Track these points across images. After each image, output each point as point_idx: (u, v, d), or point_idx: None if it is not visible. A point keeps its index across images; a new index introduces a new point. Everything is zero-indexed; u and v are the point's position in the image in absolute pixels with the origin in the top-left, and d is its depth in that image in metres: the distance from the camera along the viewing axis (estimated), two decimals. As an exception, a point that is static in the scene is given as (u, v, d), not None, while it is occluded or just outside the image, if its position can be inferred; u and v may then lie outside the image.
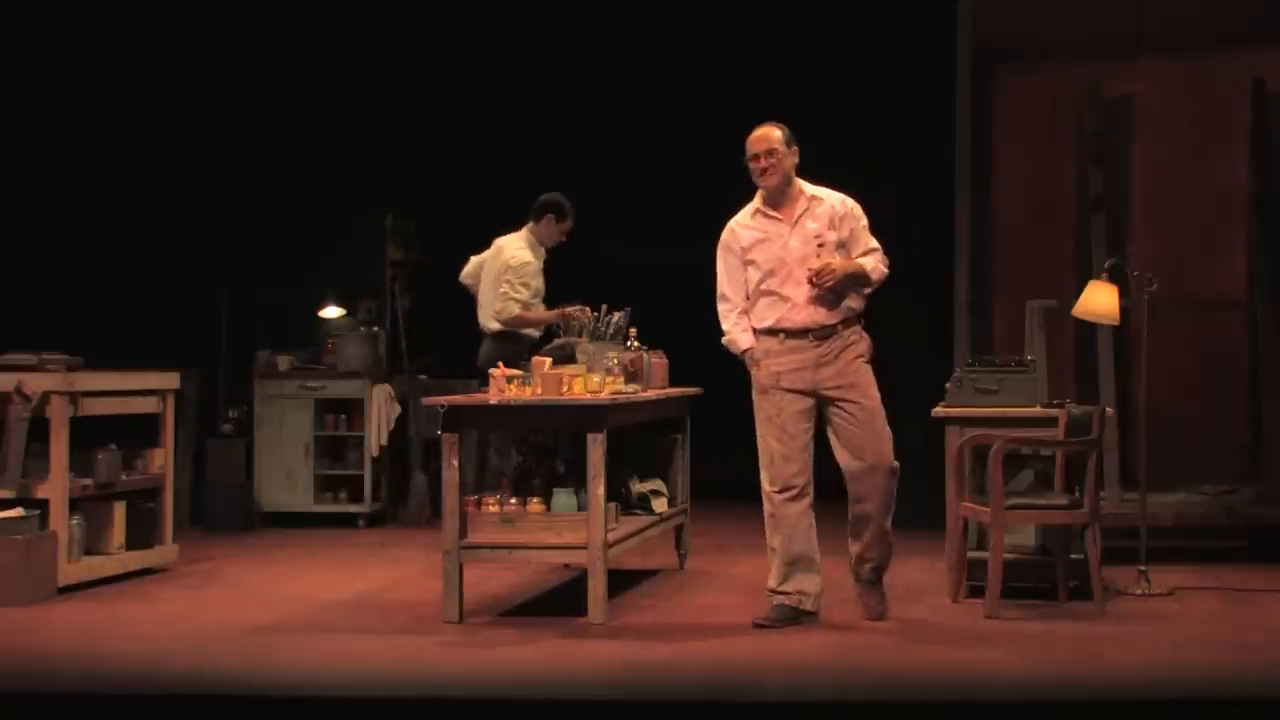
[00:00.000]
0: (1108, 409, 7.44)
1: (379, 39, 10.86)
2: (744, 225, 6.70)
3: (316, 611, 7.16)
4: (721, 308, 6.73)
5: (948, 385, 7.45)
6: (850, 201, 6.70)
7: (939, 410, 7.30)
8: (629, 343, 7.70)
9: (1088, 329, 8.69)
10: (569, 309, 8.25)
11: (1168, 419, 8.82)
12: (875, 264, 6.65)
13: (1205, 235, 9.38)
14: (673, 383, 8.04)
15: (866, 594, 6.71)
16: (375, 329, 10.54)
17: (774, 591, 6.63)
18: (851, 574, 6.76)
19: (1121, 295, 7.68)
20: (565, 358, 7.47)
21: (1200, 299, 9.26)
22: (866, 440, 6.56)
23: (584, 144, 11.34)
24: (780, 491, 6.59)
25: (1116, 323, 7.86)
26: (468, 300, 8.79)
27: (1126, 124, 9.52)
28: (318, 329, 10.59)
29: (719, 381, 8.56)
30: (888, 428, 6.62)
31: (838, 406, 6.57)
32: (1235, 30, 9.31)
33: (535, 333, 8.51)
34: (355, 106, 10.65)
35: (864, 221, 6.69)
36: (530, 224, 8.59)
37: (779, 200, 6.64)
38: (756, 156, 6.62)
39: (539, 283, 8.54)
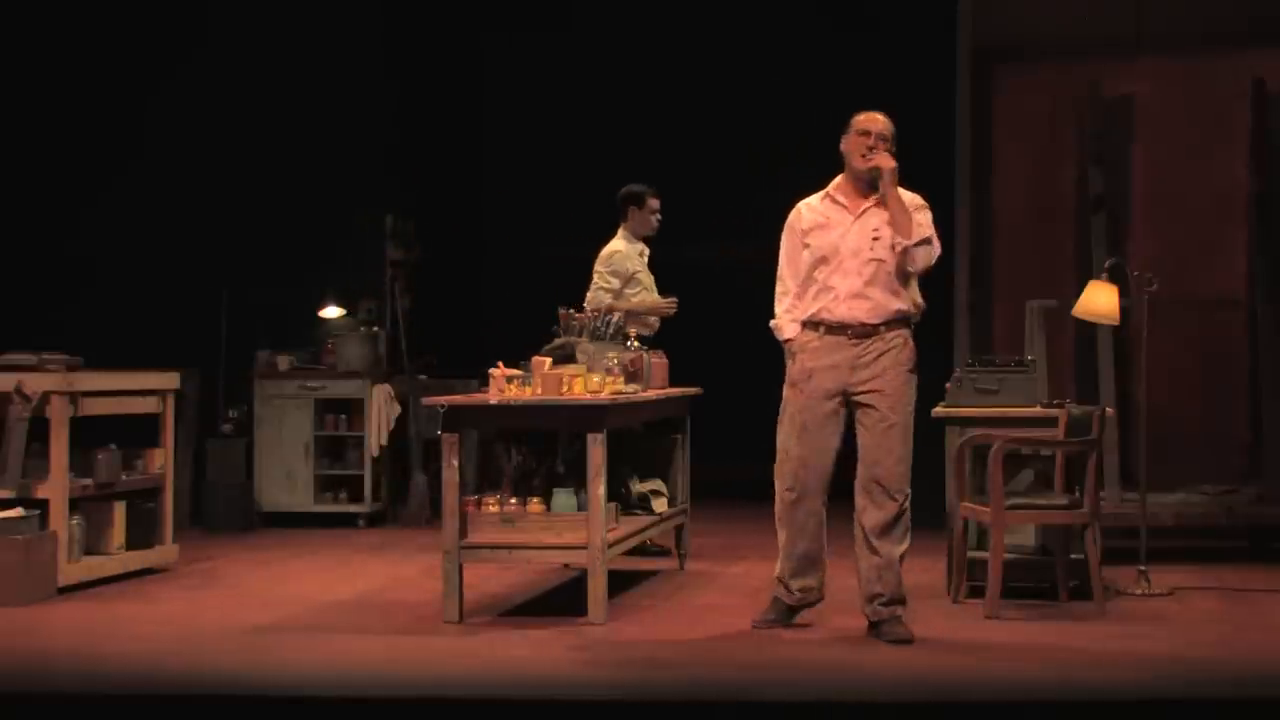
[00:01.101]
0: (1108, 409, 7.44)
1: (378, 39, 10.86)
2: (810, 207, 6.50)
3: (316, 611, 7.16)
4: (777, 289, 6.53)
5: (948, 385, 7.45)
6: (919, 200, 6.44)
7: (939, 410, 7.30)
8: (629, 343, 7.69)
9: (1088, 329, 8.69)
10: (663, 301, 8.52)
11: (1168, 419, 8.82)
12: (926, 229, 6.30)
13: (1205, 235, 9.38)
14: (673, 383, 8.05)
15: (884, 626, 6.30)
16: (375, 329, 10.54)
17: (778, 580, 6.51)
18: (864, 614, 6.38)
19: (1121, 295, 7.68)
20: (565, 358, 7.46)
21: (1200, 299, 9.26)
22: (877, 454, 6.30)
23: (583, 144, 11.34)
24: (788, 490, 6.44)
25: (1116, 323, 7.86)
26: (468, 300, 8.83)
27: (1126, 124, 9.52)
28: (318, 329, 10.59)
29: (719, 381, 8.59)
30: (907, 448, 6.35)
31: (862, 410, 6.35)
32: (1235, 30, 9.31)
33: (645, 330, 8.55)
34: (355, 107, 10.65)
35: (927, 214, 6.36)
36: (621, 224, 8.73)
37: (857, 189, 6.42)
38: (868, 133, 6.37)
39: (641, 273, 8.65)
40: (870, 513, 6.32)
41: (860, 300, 6.35)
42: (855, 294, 6.35)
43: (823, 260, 6.39)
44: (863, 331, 6.35)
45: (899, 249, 6.34)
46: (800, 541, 6.46)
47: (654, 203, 8.71)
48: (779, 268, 6.56)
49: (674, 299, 8.60)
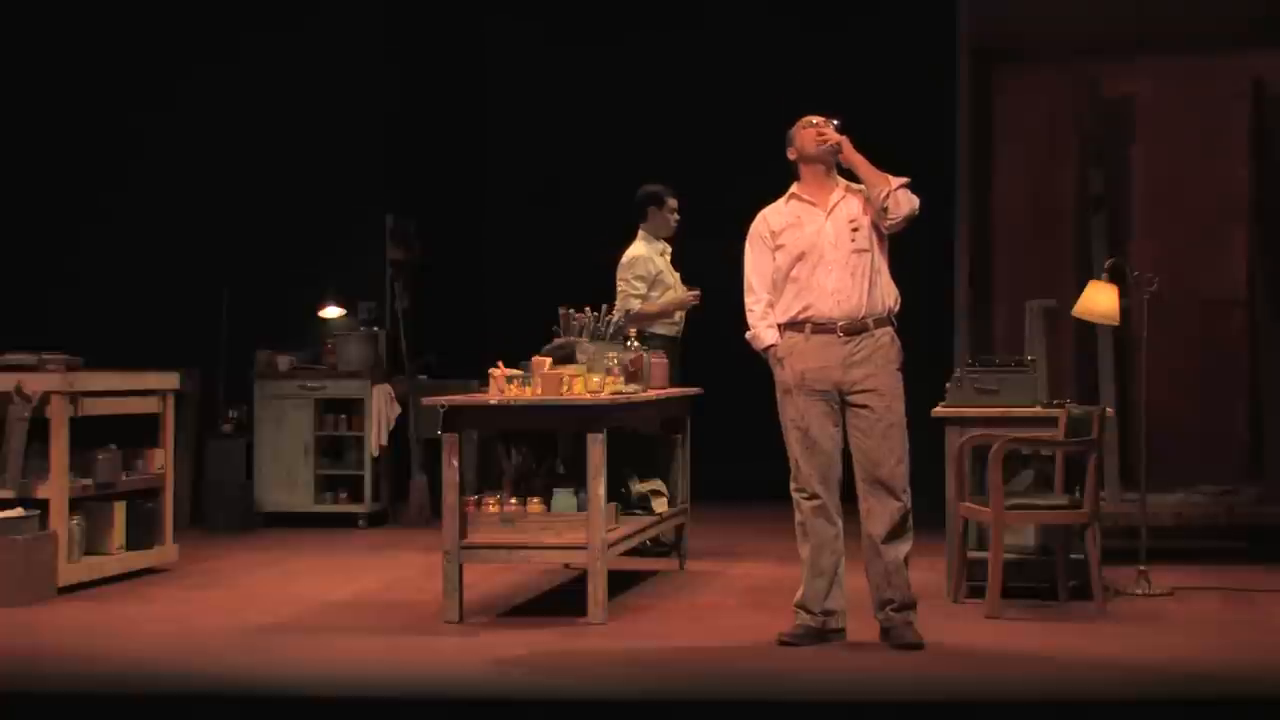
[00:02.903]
0: (1108, 409, 7.44)
1: (379, 37, 10.87)
2: (776, 211, 6.38)
3: (316, 611, 7.16)
4: (747, 300, 6.35)
5: (948, 385, 7.45)
6: None
7: (939, 410, 7.30)
8: (629, 343, 7.69)
9: (1088, 329, 8.69)
10: (686, 294, 8.55)
11: (1168, 419, 8.81)
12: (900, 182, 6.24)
13: (1205, 235, 9.37)
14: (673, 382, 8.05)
15: (894, 632, 6.23)
16: (375, 329, 10.54)
17: (800, 608, 6.31)
18: (876, 620, 6.27)
19: (1121, 295, 7.68)
20: (565, 358, 7.47)
21: (1200, 299, 9.25)
22: (879, 455, 6.18)
23: (585, 143, 11.35)
24: (809, 499, 6.27)
25: (1116, 323, 7.86)
26: (468, 300, 8.82)
27: (1126, 124, 9.51)
28: (318, 329, 10.60)
29: (719, 381, 8.59)
30: (905, 446, 6.22)
31: (856, 411, 6.22)
32: (1235, 30, 9.30)
33: (672, 327, 8.60)
34: (355, 107, 10.66)
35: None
36: (640, 225, 8.73)
37: (818, 184, 6.34)
38: (812, 124, 6.32)
39: (664, 272, 8.67)
40: (877, 516, 6.22)
41: (848, 294, 6.23)
42: (842, 288, 6.23)
43: (801, 258, 6.26)
44: (852, 327, 6.21)
45: (883, 196, 6.19)
46: (825, 553, 6.26)
47: (673, 202, 8.74)
48: (746, 277, 6.39)
49: (697, 291, 8.60)
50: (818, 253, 6.26)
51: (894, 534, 6.23)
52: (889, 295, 6.32)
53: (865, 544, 6.28)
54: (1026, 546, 7.37)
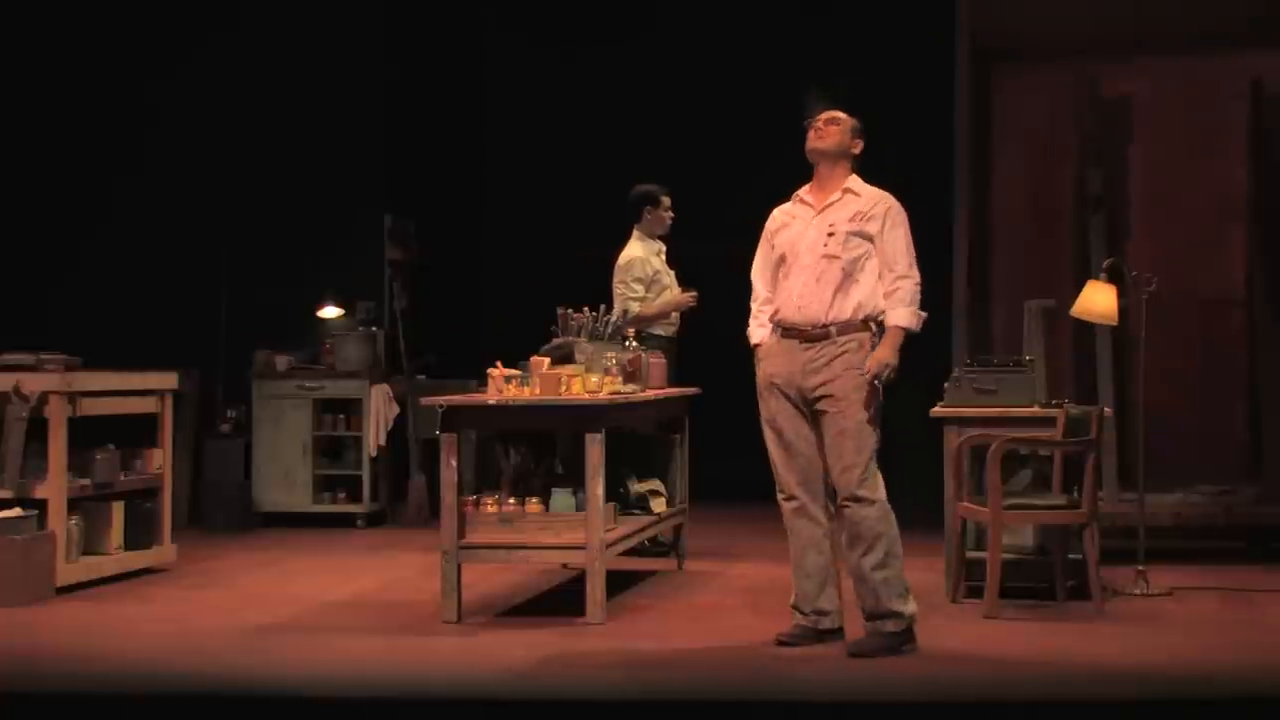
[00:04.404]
0: (1106, 409, 7.44)
1: (379, 38, 10.87)
2: (782, 209, 6.36)
3: (316, 611, 7.16)
4: (752, 297, 6.40)
5: (946, 385, 7.45)
6: (891, 201, 6.21)
7: (938, 410, 7.30)
8: (627, 343, 7.69)
9: (1087, 329, 8.69)
10: (683, 295, 8.56)
11: (1167, 419, 8.82)
12: (908, 314, 6.13)
13: (1205, 235, 9.38)
14: (674, 382, 8.04)
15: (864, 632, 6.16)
16: (374, 329, 10.54)
17: (794, 609, 6.30)
18: None
19: (1120, 295, 7.68)
20: (564, 358, 7.46)
21: (1200, 299, 9.26)
22: (830, 460, 6.08)
23: (585, 143, 11.35)
24: (788, 500, 6.25)
25: (1115, 323, 7.86)
26: (468, 300, 8.82)
27: (1126, 124, 9.52)
28: (317, 329, 10.59)
29: (719, 381, 8.59)
30: (862, 454, 6.02)
31: (816, 417, 6.15)
32: (1235, 30, 9.30)
33: (669, 328, 8.63)
34: (355, 106, 10.66)
35: (902, 230, 6.17)
36: (635, 224, 8.73)
37: (821, 183, 6.26)
38: (815, 122, 6.27)
39: (661, 272, 8.67)
40: (839, 521, 6.16)
41: (809, 300, 6.14)
42: (806, 294, 6.15)
43: (782, 259, 6.25)
44: (813, 334, 6.12)
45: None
46: (810, 554, 6.23)
47: (667, 200, 8.75)
48: (752, 273, 6.41)
49: (694, 292, 8.61)
50: (795, 255, 6.23)
51: (852, 541, 6.10)
52: (866, 304, 6.16)
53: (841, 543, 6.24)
54: (1025, 546, 7.36)
